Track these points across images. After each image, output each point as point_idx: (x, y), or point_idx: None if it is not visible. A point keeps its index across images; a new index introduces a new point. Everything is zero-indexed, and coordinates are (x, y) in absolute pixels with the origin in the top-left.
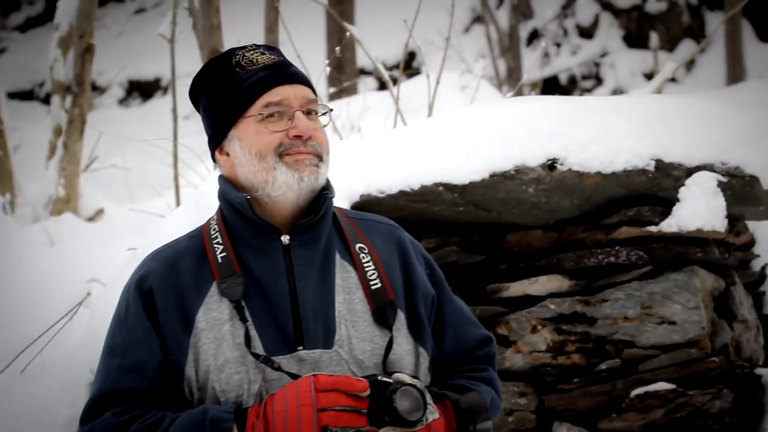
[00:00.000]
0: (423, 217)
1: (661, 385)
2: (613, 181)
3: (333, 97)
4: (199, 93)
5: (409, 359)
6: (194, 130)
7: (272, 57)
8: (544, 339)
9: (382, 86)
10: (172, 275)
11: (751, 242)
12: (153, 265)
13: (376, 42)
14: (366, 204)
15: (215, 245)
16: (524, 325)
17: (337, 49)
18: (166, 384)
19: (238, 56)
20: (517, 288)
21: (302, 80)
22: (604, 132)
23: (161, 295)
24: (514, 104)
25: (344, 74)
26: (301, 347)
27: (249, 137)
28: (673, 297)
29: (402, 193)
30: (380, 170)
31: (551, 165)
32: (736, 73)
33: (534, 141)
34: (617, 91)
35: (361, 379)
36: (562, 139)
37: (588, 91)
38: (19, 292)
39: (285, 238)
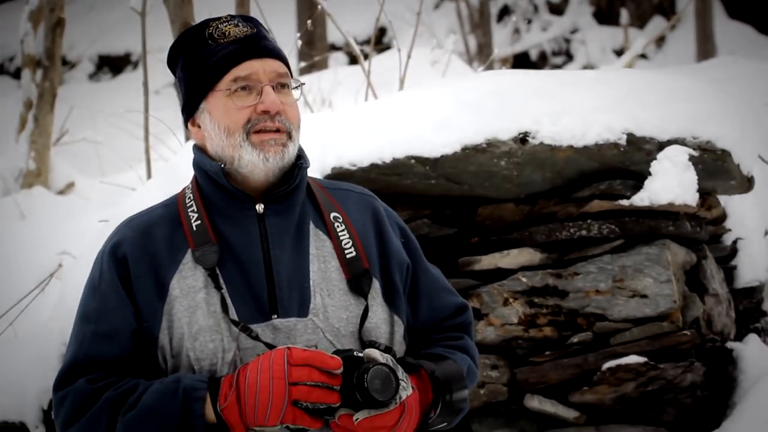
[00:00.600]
0: (395, 190)
1: (633, 359)
2: (585, 154)
3: (304, 71)
4: (174, 64)
5: (384, 328)
6: (165, 104)
7: (245, 30)
8: (516, 312)
9: (354, 61)
10: (147, 242)
11: (723, 216)
12: (127, 232)
13: (347, 17)
14: (338, 177)
15: (190, 213)
16: (496, 298)
17: (309, 22)
18: (140, 351)
19: (211, 28)
20: (488, 261)
21: (273, 54)
22: (575, 105)
23: (135, 262)
24: (486, 77)
25: (315, 49)
26: (275, 316)
27: (218, 111)
28: (645, 270)
29: (373, 166)
30: (352, 143)
31: (523, 138)
32: (706, 49)
33: (506, 114)
34: (588, 67)
35: (335, 356)
36: (534, 113)
37: (558, 67)
38: None
39: (259, 207)
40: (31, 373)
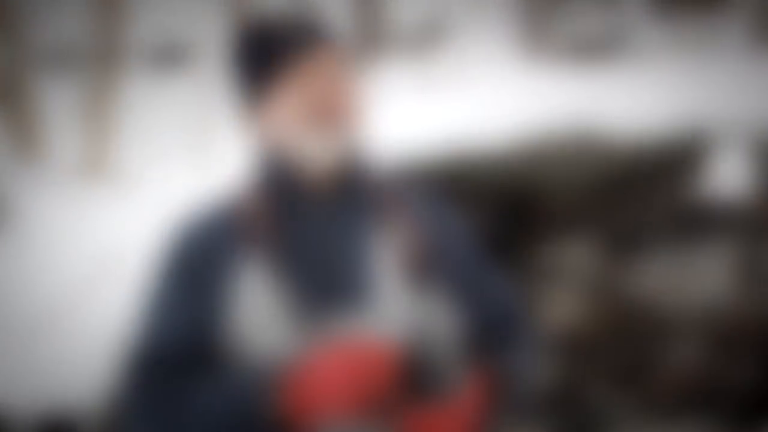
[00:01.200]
0: (458, 182)
1: None
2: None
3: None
4: (239, 56)
5: (444, 328)
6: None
7: (303, 23)
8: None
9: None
10: (211, 236)
11: None
12: (191, 226)
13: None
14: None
15: (252, 207)
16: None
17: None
18: (202, 345)
19: (270, 21)
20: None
21: (331, 45)
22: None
23: (199, 254)
24: None
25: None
26: (336, 314)
27: (280, 106)
28: None
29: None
30: (421, 135)
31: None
32: None
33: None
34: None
35: (394, 355)
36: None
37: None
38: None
39: (322, 203)
40: (85, 368)
